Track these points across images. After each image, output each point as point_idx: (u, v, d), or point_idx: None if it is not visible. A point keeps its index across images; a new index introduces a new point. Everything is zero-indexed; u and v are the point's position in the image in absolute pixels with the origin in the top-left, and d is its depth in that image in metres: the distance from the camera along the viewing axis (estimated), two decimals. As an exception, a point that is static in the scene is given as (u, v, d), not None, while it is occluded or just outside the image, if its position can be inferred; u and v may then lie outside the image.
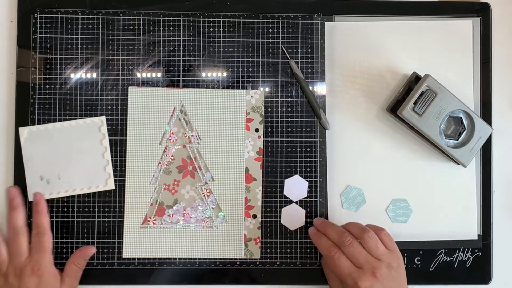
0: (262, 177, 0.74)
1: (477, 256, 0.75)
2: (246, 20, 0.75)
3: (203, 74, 0.74)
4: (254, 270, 0.73)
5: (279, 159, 0.74)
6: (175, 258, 0.73)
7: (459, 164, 0.73)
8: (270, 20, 0.75)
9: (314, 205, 0.74)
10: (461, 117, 0.72)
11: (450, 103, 0.71)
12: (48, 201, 0.72)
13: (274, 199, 0.74)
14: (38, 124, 0.72)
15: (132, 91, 0.73)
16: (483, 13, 0.76)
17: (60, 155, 0.72)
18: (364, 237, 0.65)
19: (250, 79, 0.74)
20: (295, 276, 0.73)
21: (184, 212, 0.73)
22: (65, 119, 0.73)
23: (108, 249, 0.73)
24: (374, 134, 0.75)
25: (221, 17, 0.75)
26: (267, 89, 0.74)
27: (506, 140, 0.77)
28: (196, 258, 0.73)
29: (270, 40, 0.75)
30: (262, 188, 0.74)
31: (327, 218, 0.74)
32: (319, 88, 0.75)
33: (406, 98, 0.71)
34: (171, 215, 0.73)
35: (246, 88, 0.74)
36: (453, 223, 0.75)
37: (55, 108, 0.73)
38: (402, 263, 0.66)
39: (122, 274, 0.73)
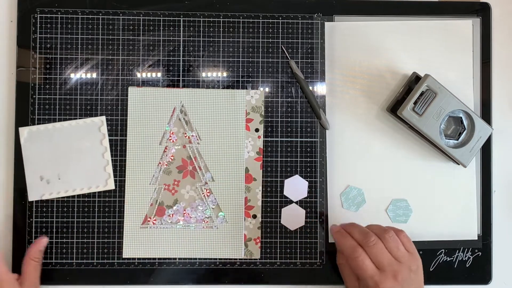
0: (262, 177, 0.74)
1: (477, 256, 0.75)
2: (246, 20, 0.75)
3: (203, 74, 0.74)
4: (254, 270, 0.73)
5: (279, 159, 0.74)
6: (175, 258, 0.73)
7: (459, 164, 0.73)
8: (270, 20, 0.75)
9: (314, 205, 0.74)
10: (461, 117, 0.72)
11: (450, 103, 0.71)
12: (48, 201, 0.72)
13: (274, 199, 0.74)
14: (38, 124, 0.72)
15: (132, 91, 0.73)
16: (483, 13, 0.76)
17: (60, 155, 0.72)
18: (386, 237, 0.65)
19: (250, 79, 0.74)
20: (295, 276, 0.73)
21: (184, 212, 0.73)
22: (65, 119, 0.73)
23: (108, 249, 0.73)
24: (374, 134, 0.75)
25: (221, 17, 0.75)
26: (267, 89, 0.74)
27: (506, 140, 0.77)
28: (196, 258, 0.73)
29: (270, 40, 0.75)
30: (262, 188, 0.74)
31: (327, 218, 0.74)
32: (319, 88, 0.75)
33: (406, 98, 0.71)
34: (171, 215, 0.73)
35: (246, 88, 0.74)
36: (453, 223, 0.75)
37: (55, 108, 0.73)
38: (421, 265, 0.66)
39: (122, 274, 0.73)
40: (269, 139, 0.74)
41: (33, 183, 0.72)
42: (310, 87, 0.74)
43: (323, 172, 0.74)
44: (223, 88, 0.74)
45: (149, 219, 0.73)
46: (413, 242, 0.74)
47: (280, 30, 0.75)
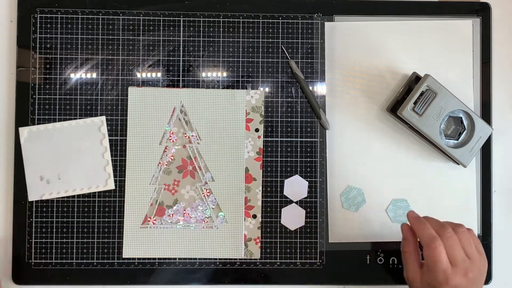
0: (262, 177, 0.74)
1: (477, 256, 0.75)
2: (246, 20, 0.75)
3: (203, 74, 0.74)
4: (254, 270, 0.73)
5: (279, 159, 0.74)
6: (175, 258, 0.73)
7: (459, 164, 0.73)
8: (270, 20, 0.75)
9: (314, 205, 0.74)
10: (461, 117, 0.72)
11: (450, 103, 0.71)
12: (48, 201, 0.72)
13: (274, 199, 0.74)
14: (38, 124, 0.72)
15: (132, 91, 0.73)
16: (483, 13, 0.76)
17: (60, 155, 0.72)
18: (459, 231, 0.64)
19: (250, 79, 0.74)
20: (295, 276, 0.73)
21: (184, 212, 0.73)
22: (65, 119, 0.73)
23: (108, 249, 0.73)
24: (374, 134, 0.75)
25: (221, 17, 0.75)
26: (267, 89, 0.74)
27: (506, 140, 0.77)
28: (196, 258, 0.73)
29: (270, 40, 0.75)
30: (262, 188, 0.74)
31: (327, 218, 0.74)
32: (319, 88, 0.75)
33: (406, 98, 0.71)
34: (171, 215, 0.73)
35: (246, 88, 0.74)
36: (453, 223, 0.75)
37: (55, 108, 0.73)
38: (486, 269, 0.65)
39: (122, 274, 0.73)
40: (269, 139, 0.74)
41: (33, 183, 0.72)
42: (310, 87, 0.74)
43: (323, 172, 0.74)
44: (223, 88, 0.74)
45: (149, 219, 0.73)
46: (413, 242, 0.74)
47: (280, 30, 0.75)
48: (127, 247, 0.73)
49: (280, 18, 0.75)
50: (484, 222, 0.75)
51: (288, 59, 0.75)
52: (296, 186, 0.74)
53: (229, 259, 0.73)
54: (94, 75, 0.73)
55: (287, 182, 0.74)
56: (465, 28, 0.76)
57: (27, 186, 0.72)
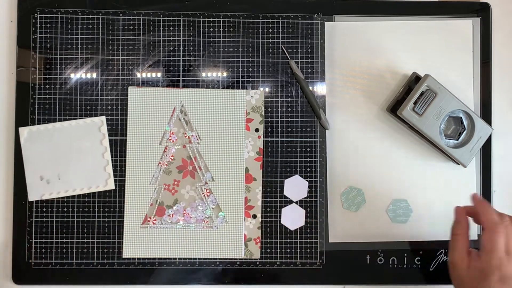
0: (262, 177, 0.74)
1: (477, 256, 0.75)
2: (246, 20, 0.75)
3: (203, 74, 0.74)
4: (254, 270, 0.73)
5: (279, 159, 0.74)
6: (175, 258, 0.73)
7: (459, 164, 0.73)
8: (270, 20, 0.75)
9: (314, 205, 0.74)
10: (461, 117, 0.72)
11: (450, 103, 0.71)
12: (48, 201, 0.72)
13: (274, 199, 0.74)
14: (38, 124, 0.72)
15: (132, 91, 0.73)
16: (483, 13, 0.76)
17: (60, 155, 0.72)
18: None
19: (250, 79, 0.74)
20: (295, 276, 0.73)
21: (184, 212, 0.73)
22: (65, 119, 0.73)
23: (108, 249, 0.73)
24: (374, 134, 0.75)
25: (221, 17, 0.75)
26: (267, 89, 0.74)
27: (506, 140, 0.77)
28: (196, 258, 0.73)
29: (270, 40, 0.75)
30: (262, 188, 0.74)
31: (327, 218, 0.74)
32: (319, 88, 0.75)
33: (406, 98, 0.71)
34: (171, 215, 0.73)
35: (246, 88, 0.74)
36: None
37: (55, 108, 0.73)
38: None
39: (122, 274, 0.73)
40: (269, 139, 0.74)
41: (33, 183, 0.72)
42: (310, 87, 0.74)
43: (323, 172, 0.74)
44: (223, 88, 0.74)
45: (149, 219, 0.73)
46: (413, 242, 0.74)
47: (280, 30, 0.75)
48: (127, 247, 0.73)
49: (280, 18, 0.75)
50: (484, 222, 0.75)
51: (288, 59, 0.75)
52: (296, 186, 0.74)
53: (229, 259, 0.73)
54: (94, 75, 0.73)
55: (287, 182, 0.74)
56: (465, 28, 0.76)
57: (27, 186, 0.72)
